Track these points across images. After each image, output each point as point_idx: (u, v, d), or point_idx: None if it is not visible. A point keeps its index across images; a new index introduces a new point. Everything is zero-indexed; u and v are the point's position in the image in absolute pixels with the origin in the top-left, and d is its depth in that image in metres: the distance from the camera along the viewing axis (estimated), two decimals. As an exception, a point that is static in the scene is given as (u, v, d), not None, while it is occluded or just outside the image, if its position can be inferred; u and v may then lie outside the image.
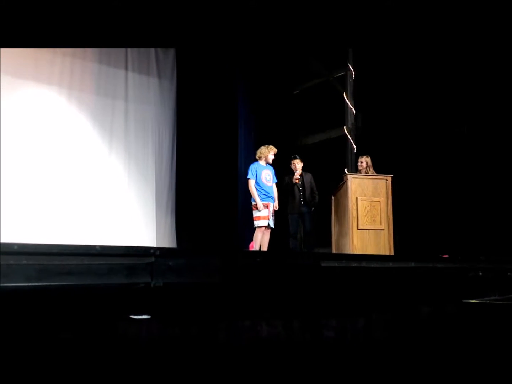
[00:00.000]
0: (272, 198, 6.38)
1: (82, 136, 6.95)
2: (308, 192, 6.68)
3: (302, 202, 6.65)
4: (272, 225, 6.23)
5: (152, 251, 1.36)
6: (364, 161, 6.56)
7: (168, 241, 7.70)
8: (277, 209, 6.44)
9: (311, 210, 6.68)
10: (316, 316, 1.82)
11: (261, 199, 6.22)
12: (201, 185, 7.91)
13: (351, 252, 5.50)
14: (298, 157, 6.82)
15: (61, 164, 6.66)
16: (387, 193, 5.82)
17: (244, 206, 7.80)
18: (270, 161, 6.46)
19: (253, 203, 6.30)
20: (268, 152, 6.42)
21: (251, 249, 6.04)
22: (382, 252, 5.57)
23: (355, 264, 1.91)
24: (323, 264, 1.77)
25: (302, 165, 6.75)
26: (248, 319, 1.61)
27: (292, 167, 6.75)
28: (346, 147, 7.92)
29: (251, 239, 6.34)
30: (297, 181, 6.60)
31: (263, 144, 6.61)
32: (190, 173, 7.99)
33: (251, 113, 8.63)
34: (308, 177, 6.77)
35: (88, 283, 1.24)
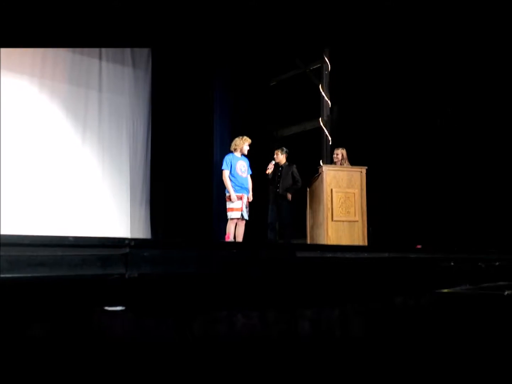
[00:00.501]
0: (247, 189, 6.39)
1: (54, 127, 6.84)
2: (286, 183, 6.70)
3: (279, 193, 6.69)
4: (246, 217, 6.25)
5: (126, 241, 1.34)
6: (340, 153, 6.60)
7: (142, 232, 7.66)
8: (251, 200, 6.45)
9: (287, 201, 6.68)
10: (291, 307, 1.83)
11: (235, 191, 6.23)
12: (175, 176, 7.88)
13: (325, 243, 5.55)
14: (280, 148, 6.88)
15: (33, 155, 6.55)
16: (361, 185, 5.87)
17: (219, 197, 7.79)
18: (246, 152, 6.47)
19: (227, 194, 6.31)
20: (243, 143, 6.42)
21: (227, 239, 6.05)
22: (356, 243, 5.63)
23: (330, 255, 1.93)
24: (298, 255, 1.77)
25: (283, 157, 6.78)
26: (224, 310, 1.61)
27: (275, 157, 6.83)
28: (321, 139, 7.96)
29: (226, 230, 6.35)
30: (267, 172, 6.62)
31: (239, 136, 6.61)
32: (165, 164, 7.94)
33: (227, 104, 8.59)
34: (289, 168, 6.78)
35: (61, 274, 1.22)
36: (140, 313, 1.40)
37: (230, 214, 6.23)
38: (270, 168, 6.62)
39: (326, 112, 8.03)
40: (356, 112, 8.13)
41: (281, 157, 6.80)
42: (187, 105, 8.03)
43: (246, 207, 6.28)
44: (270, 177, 6.72)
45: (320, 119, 8.02)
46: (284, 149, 6.88)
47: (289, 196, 6.62)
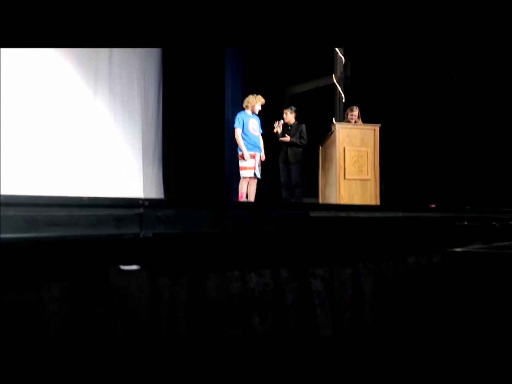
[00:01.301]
0: (259, 148, 6.35)
1: (65, 84, 6.79)
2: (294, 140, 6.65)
3: (288, 153, 6.66)
4: (258, 176, 6.24)
5: (140, 202, 1.35)
6: (357, 113, 6.53)
7: (155, 190, 7.70)
8: (263, 159, 6.42)
9: (297, 162, 6.63)
10: (304, 266, 1.84)
11: (248, 149, 6.20)
12: (187, 135, 7.85)
13: (337, 201, 5.55)
14: (289, 108, 6.81)
15: (44, 113, 6.53)
16: (374, 143, 5.83)
17: (231, 155, 7.78)
18: (257, 112, 6.40)
19: (239, 152, 6.28)
20: (256, 102, 6.34)
21: (240, 199, 6.06)
22: (368, 202, 5.63)
23: (343, 214, 1.93)
24: (311, 215, 1.78)
25: (292, 116, 6.71)
26: (237, 269, 1.63)
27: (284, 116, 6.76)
28: (334, 97, 7.84)
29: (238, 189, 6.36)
30: (274, 131, 6.54)
31: (251, 93, 6.53)
32: (177, 122, 7.90)
33: (238, 61, 8.47)
34: (298, 127, 6.72)
35: (78, 234, 1.24)
36: (155, 272, 1.42)
37: (242, 173, 6.21)
38: (277, 127, 6.54)
39: (339, 68, 7.87)
40: (371, 68, 7.98)
41: (290, 116, 6.73)
42: (198, 61, 7.93)
43: (259, 166, 6.26)
44: (279, 136, 6.66)
45: (333, 75, 7.88)
46: (293, 108, 6.79)
47: (279, 129, 6.49)
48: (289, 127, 6.71)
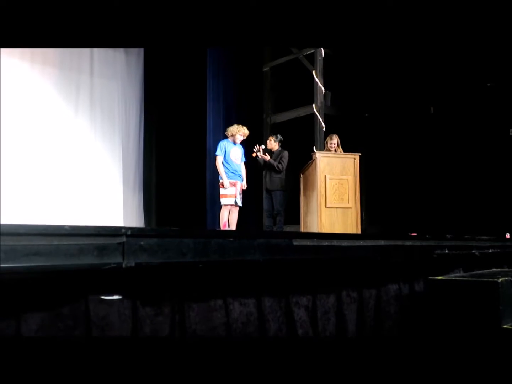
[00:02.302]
0: (240, 176, 6.35)
1: (45, 112, 6.76)
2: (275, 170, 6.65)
3: (268, 180, 6.67)
4: (239, 203, 6.22)
5: (123, 230, 1.33)
6: (336, 141, 6.60)
7: (135, 219, 7.64)
8: (245, 188, 6.41)
9: (279, 190, 6.61)
10: (288, 294, 1.83)
11: (229, 177, 6.19)
12: (169, 162, 7.84)
13: (318, 229, 5.56)
14: (274, 135, 6.84)
15: (24, 141, 6.47)
16: (355, 171, 5.88)
17: (212, 183, 7.78)
18: (238, 142, 6.41)
19: (220, 180, 6.28)
20: (237, 132, 6.34)
21: (223, 228, 6.02)
22: (349, 230, 5.65)
23: (326, 243, 1.93)
24: (295, 243, 1.77)
25: (276, 144, 6.73)
26: (220, 298, 1.61)
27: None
28: (314, 126, 7.94)
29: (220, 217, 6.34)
30: (254, 155, 6.53)
31: (232, 121, 6.58)
32: (158, 150, 7.90)
33: (220, 89, 8.54)
34: (279, 153, 6.71)
35: (58, 264, 1.21)
36: (137, 302, 1.39)
37: (223, 201, 6.20)
38: (256, 151, 6.52)
39: (319, 98, 7.99)
40: (350, 98, 8.12)
41: (273, 144, 6.74)
42: (180, 90, 7.97)
43: (240, 194, 6.25)
44: (261, 163, 6.65)
45: (313, 105, 7.99)
46: (279, 136, 6.81)
47: (259, 153, 6.48)
48: (272, 154, 6.73)
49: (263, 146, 6.63)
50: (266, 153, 6.66)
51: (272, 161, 6.58)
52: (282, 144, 6.84)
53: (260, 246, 1.66)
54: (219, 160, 6.25)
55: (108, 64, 7.53)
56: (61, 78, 6.97)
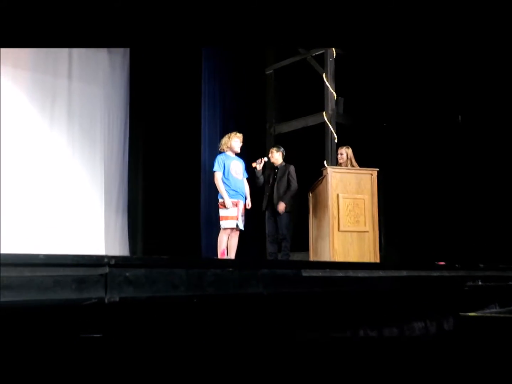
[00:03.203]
0: (243, 194, 6.32)
1: (17, 121, 6.79)
2: (282, 187, 6.64)
3: (275, 199, 6.62)
4: (241, 227, 6.18)
5: (106, 260, 1.33)
6: (345, 152, 6.60)
7: (119, 245, 7.63)
8: (249, 207, 6.39)
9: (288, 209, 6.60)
10: (296, 332, 1.82)
11: (230, 196, 6.17)
12: (157, 179, 7.85)
13: (331, 257, 5.55)
14: (275, 147, 6.88)
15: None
16: (372, 189, 5.88)
17: (208, 202, 7.78)
18: (237, 150, 6.41)
19: (220, 200, 6.24)
20: (230, 140, 6.36)
21: (222, 256, 5.97)
22: (366, 257, 5.64)
23: (340, 274, 1.92)
24: (304, 274, 1.77)
25: (279, 156, 6.75)
26: (219, 337, 1.60)
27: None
28: (325, 137, 7.97)
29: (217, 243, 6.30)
30: (253, 165, 6.54)
31: (230, 131, 6.60)
32: (145, 165, 7.91)
33: (217, 94, 8.58)
34: (286, 169, 6.72)
35: (30, 299, 1.21)
36: (121, 342, 1.39)
37: (223, 224, 6.15)
38: (257, 163, 6.53)
39: (331, 105, 8.03)
40: (366, 105, 8.14)
41: (276, 156, 6.76)
42: (171, 96, 8.01)
43: (242, 216, 6.21)
44: (261, 180, 6.65)
45: (324, 113, 8.03)
46: (281, 147, 6.85)
47: (281, 207, 6.49)
48: (276, 169, 6.74)
49: (265, 159, 6.64)
50: (273, 177, 6.68)
51: (287, 196, 6.56)
52: (286, 158, 6.87)
53: (264, 277, 1.66)
54: (218, 176, 6.24)
55: (89, 66, 7.58)
56: (35, 82, 7.02)
